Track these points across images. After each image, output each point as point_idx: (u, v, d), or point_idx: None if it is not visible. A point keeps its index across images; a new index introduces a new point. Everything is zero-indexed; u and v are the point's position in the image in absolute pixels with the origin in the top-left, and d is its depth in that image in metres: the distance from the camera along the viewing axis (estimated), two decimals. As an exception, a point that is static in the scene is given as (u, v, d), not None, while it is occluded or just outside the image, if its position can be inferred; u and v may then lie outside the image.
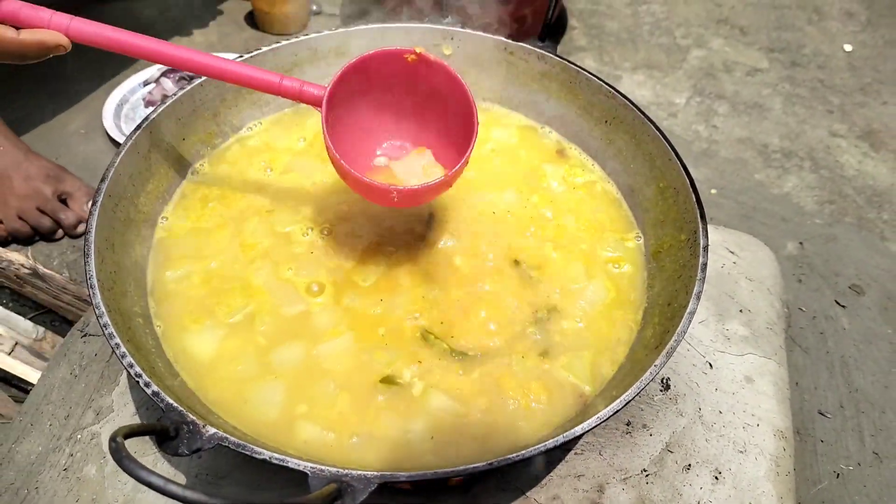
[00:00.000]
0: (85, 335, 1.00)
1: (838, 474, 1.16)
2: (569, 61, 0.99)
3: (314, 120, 1.03)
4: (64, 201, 1.45)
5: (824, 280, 1.47)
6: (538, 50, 1.01)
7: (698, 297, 0.74)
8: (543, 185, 0.99)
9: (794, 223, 1.59)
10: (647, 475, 0.89)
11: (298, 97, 0.76)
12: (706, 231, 0.80)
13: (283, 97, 0.77)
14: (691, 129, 1.82)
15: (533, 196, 0.97)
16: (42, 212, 1.42)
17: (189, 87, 0.91)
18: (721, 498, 0.89)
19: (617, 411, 0.65)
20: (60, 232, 1.45)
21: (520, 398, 0.76)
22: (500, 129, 1.06)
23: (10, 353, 1.23)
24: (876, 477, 1.16)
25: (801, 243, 1.54)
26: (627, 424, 0.92)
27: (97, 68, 1.86)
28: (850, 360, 1.32)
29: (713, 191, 1.66)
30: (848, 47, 2.21)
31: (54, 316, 1.37)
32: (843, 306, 1.42)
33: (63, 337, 1.27)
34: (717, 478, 0.90)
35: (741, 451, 0.93)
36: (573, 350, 0.80)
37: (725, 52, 2.14)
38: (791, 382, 1.26)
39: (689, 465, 0.91)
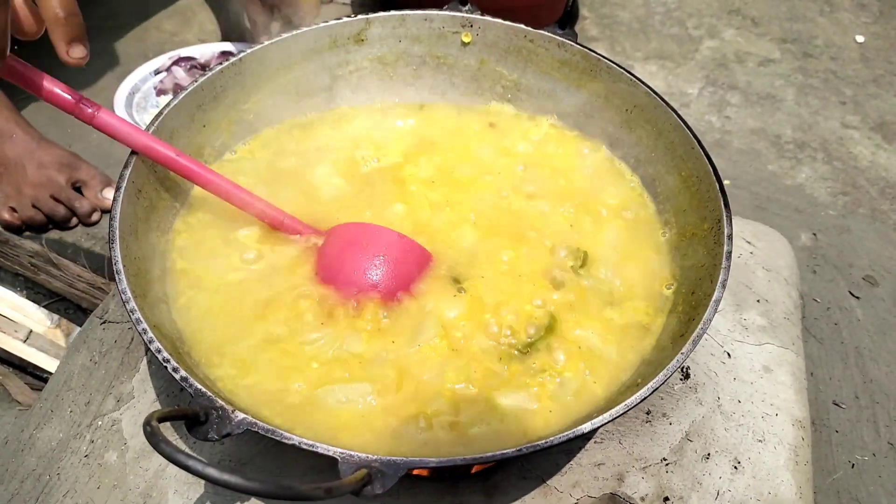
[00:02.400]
0: (104, 322, 1.00)
1: (853, 464, 1.16)
2: (589, 49, 0.99)
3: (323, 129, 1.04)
4: (78, 189, 1.45)
5: (838, 271, 1.47)
6: (558, 38, 1.00)
7: (724, 286, 0.73)
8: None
9: (807, 214, 1.59)
10: (666, 464, 0.89)
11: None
12: (730, 219, 0.79)
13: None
14: (704, 119, 1.82)
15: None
16: (56, 200, 1.42)
17: (209, 75, 0.91)
18: (740, 487, 0.89)
19: (645, 398, 0.65)
20: (75, 220, 1.45)
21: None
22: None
23: (25, 341, 1.23)
24: (891, 467, 1.16)
25: (814, 234, 1.54)
26: (647, 413, 0.92)
27: (107, 58, 1.86)
28: (865, 351, 1.33)
29: (726, 181, 1.65)
30: (860, 38, 2.20)
31: (68, 304, 1.37)
32: (858, 297, 1.42)
33: (77, 325, 1.27)
34: (736, 467, 0.90)
35: (760, 441, 0.93)
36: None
37: (738, 42, 2.13)
38: (806, 373, 1.27)
39: (709, 454, 0.91)
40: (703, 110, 1.85)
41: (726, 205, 0.81)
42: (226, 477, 0.46)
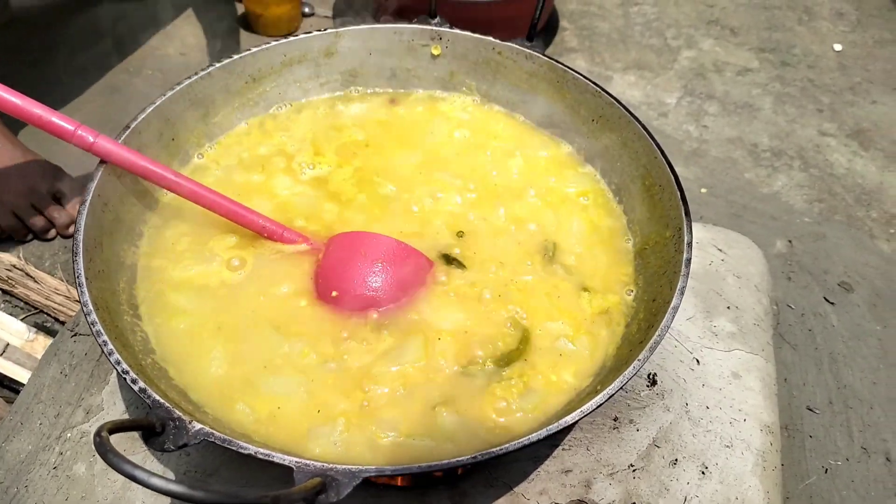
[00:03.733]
0: (75, 335, 1.00)
1: (826, 469, 1.17)
2: (556, 61, 1.00)
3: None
4: (58, 200, 1.46)
5: (813, 277, 1.48)
6: (526, 50, 1.02)
7: (682, 293, 0.74)
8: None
9: (783, 221, 1.60)
10: (634, 470, 0.90)
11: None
12: (690, 227, 0.81)
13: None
14: (682, 128, 1.83)
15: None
16: (37, 209, 1.43)
17: (178, 89, 0.92)
18: (707, 492, 0.89)
19: (600, 405, 0.66)
20: (53, 231, 1.46)
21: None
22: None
23: (1, 354, 1.23)
24: (864, 472, 1.17)
25: (790, 241, 1.55)
26: (615, 420, 0.93)
27: (89, 73, 1.87)
28: (839, 357, 1.33)
29: (703, 190, 1.67)
30: (838, 47, 2.22)
31: (46, 317, 1.37)
32: (832, 303, 1.43)
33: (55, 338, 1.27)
34: (703, 472, 0.91)
35: (728, 446, 0.94)
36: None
37: (716, 52, 2.15)
38: (780, 379, 1.27)
39: (676, 459, 0.91)
40: (681, 120, 1.86)
41: (687, 213, 0.82)
42: (171, 486, 0.47)
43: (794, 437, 1.20)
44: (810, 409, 1.25)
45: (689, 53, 2.13)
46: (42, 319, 1.37)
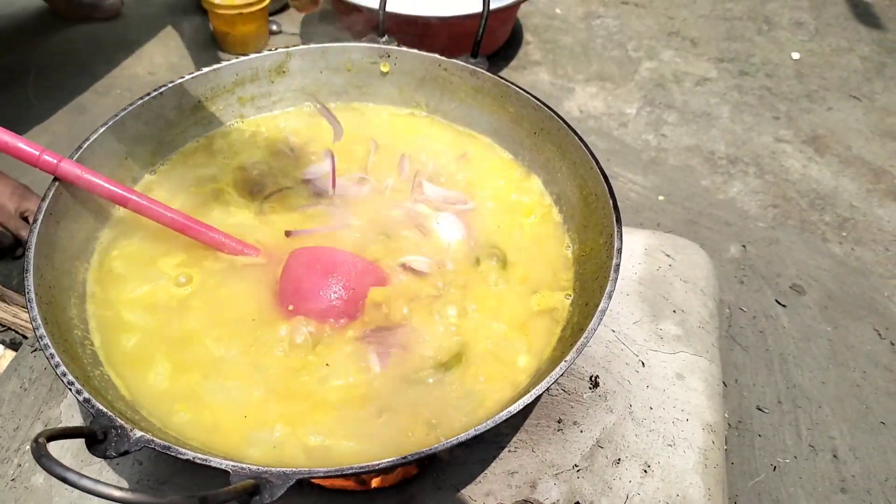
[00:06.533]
0: (35, 350, 1.02)
1: (775, 467, 1.20)
2: (499, 76, 1.04)
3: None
4: (27, 219, 1.48)
5: (765, 281, 1.52)
6: (470, 66, 1.05)
7: (609, 297, 0.78)
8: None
9: (737, 227, 1.65)
10: (577, 470, 0.93)
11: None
12: (621, 234, 0.84)
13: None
14: (641, 138, 1.88)
15: None
16: (5, 228, 1.45)
17: (130, 109, 0.94)
18: (650, 490, 0.93)
19: (528, 405, 0.69)
20: (20, 250, 1.48)
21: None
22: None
23: (-32, 372, 1.25)
24: (811, 469, 1.21)
25: (744, 246, 1.60)
26: (559, 422, 0.96)
27: (57, 90, 1.89)
28: (789, 357, 1.37)
29: (661, 197, 1.71)
30: (796, 55, 2.28)
31: (14, 334, 1.39)
32: (784, 305, 1.47)
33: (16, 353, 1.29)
34: (645, 471, 0.94)
35: (670, 445, 0.97)
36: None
37: (676, 63, 2.20)
38: (730, 379, 1.31)
39: (619, 459, 0.95)
40: (641, 129, 1.91)
41: (618, 220, 0.86)
42: (100, 487, 0.50)
43: (744, 436, 1.24)
44: (760, 409, 1.28)
45: (649, 64, 2.18)
46: (11, 337, 1.39)
